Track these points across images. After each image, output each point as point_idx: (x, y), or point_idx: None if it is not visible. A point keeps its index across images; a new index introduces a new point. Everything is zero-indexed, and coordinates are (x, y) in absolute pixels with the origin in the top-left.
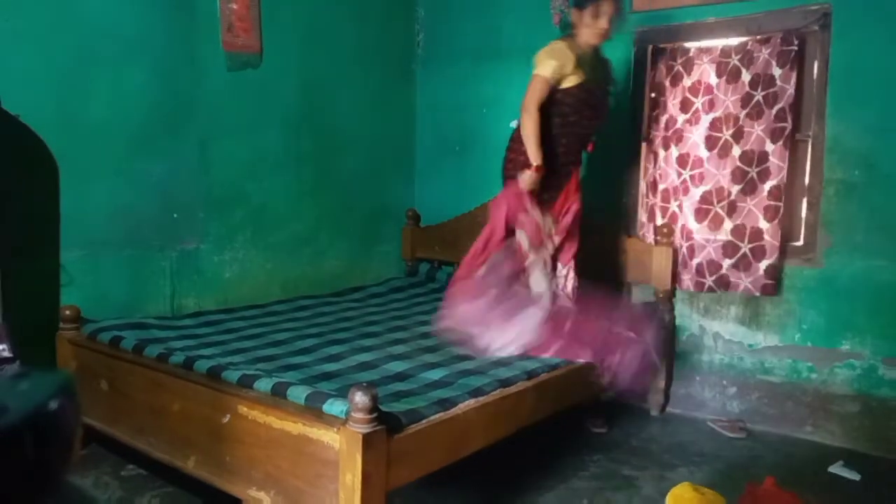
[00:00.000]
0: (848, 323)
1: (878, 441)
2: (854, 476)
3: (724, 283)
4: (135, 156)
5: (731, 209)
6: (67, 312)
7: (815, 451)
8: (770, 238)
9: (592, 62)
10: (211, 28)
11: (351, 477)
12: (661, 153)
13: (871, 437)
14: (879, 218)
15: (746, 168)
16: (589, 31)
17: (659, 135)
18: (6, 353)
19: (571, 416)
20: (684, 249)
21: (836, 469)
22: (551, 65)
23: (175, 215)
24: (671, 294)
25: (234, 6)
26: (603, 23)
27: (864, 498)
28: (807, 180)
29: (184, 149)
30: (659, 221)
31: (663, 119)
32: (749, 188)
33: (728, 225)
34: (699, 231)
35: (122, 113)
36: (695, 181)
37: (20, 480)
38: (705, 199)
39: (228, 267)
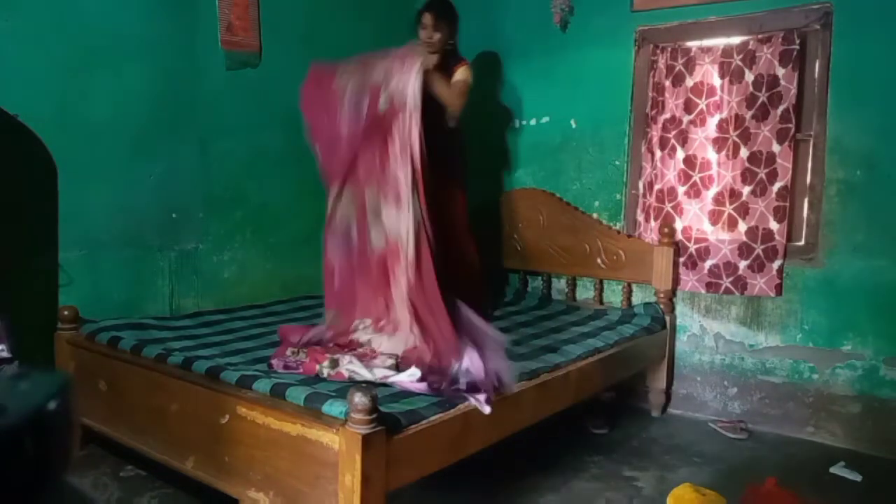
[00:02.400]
0: (849, 323)
1: (880, 442)
2: (855, 477)
3: (741, 285)
4: (134, 155)
5: (744, 210)
6: (66, 312)
7: (816, 452)
8: (780, 238)
9: (432, 64)
10: (210, 27)
11: (350, 478)
12: (658, 154)
13: (872, 438)
14: (881, 218)
15: (755, 169)
16: (422, 41)
17: (656, 135)
18: (5, 354)
19: (572, 417)
20: (693, 250)
21: (838, 470)
22: None
23: (174, 215)
24: (672, 294)
25: (234, 5)
26: (426, 32)
27: (866, 499)
28: (808, 180)
29: (183, 149)
30: (654, 222)
31: (661, 119)
32: (759, 189)
33: (742, 226)
34: (713, 232)
35: (120, 112)
36: (705, 183)
37: (19, 480)
38: (717, 200)
39: (228, 267)
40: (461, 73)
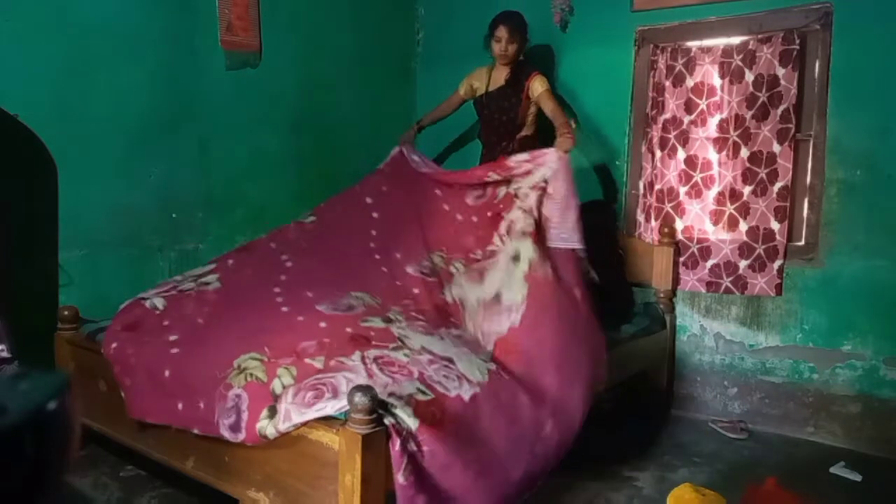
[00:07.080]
0: (849, 323)
1: (880, 442)
2: (855, 477)
3: (741, 285)
4: (134, 155)
5: (745, 210)
6: (66, 313)
7: (816, 452)
8: (780, 238)
9: (504, 78)
10: (210, 27)
11: (350, 478)
12: (658, 154)
13: (872, 438)
14: (881, 218)
15: (756, 169)
16: (496, 55)
17: (657, 135)
18: (5, 354)
19: None
20: (695, 250)
21: (838, 470)
22: (463, 82)
23: (174, 215)
24: (672, 294)
25: (233, 5)
26: (500, 45)
27: (866, 499)
28: (808, 180)
29: (183, 148)
30: (654, 222)
31: (661, 119)
32: (760, 189)
33: (743, 226)
34: (714, 232)
35: (120, 112)
36: (706, 183)
37: (19, 481)
38: (718, 200)
39: None
40: (538, 85)
